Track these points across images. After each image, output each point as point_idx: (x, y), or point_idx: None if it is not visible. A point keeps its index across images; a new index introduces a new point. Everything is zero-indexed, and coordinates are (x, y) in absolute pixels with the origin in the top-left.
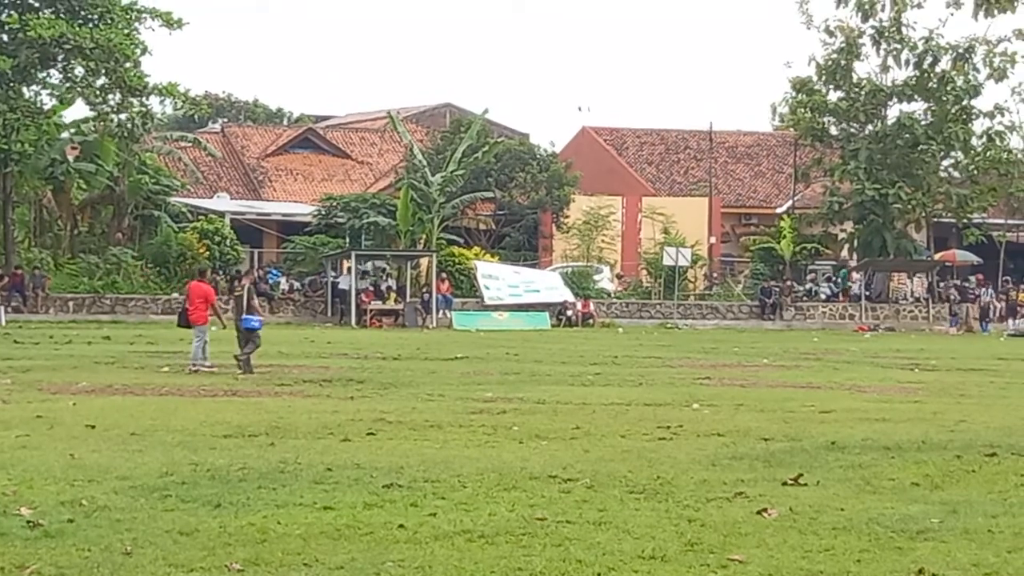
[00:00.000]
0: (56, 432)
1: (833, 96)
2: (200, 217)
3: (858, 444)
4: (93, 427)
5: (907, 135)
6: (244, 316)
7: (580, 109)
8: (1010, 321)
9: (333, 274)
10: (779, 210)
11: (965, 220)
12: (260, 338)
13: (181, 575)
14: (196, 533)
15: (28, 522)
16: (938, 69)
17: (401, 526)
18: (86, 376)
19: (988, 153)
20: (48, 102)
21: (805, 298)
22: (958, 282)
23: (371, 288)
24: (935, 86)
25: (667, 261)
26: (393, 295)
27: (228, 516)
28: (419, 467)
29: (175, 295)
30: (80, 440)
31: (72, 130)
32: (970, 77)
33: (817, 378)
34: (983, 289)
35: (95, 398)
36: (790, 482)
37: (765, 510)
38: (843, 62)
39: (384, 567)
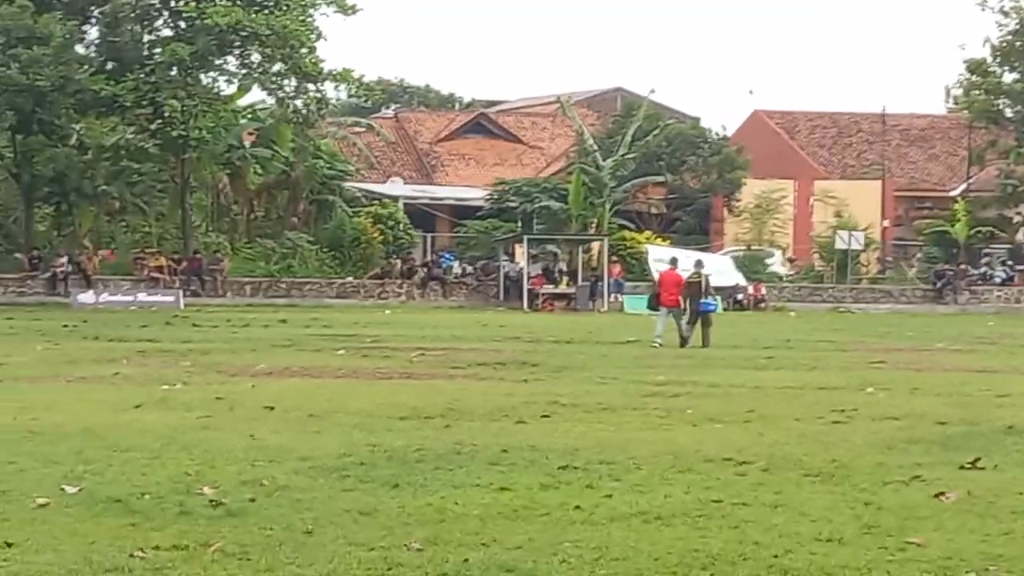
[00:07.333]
0: (236, 413)
1: (1008, 78)
2: (374, 202)
3: None
4: (272, 409)
5: None
6: (703, 300)
7: (751, 92)
8: None
9: (505, 259)
10: (953, 193)
11: None
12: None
13: (362, 553)
14: (375, 513)
15: (211, 501)
16: None
17: (577, 507)
18: (264, 359)
19: None
20: (225, 88)
21: (980, 282)
22: None
23: (542, 272)
24: None
25: (839, 245)
26: (565, 279)
27: (406, 496)
28: (594, 449)
29: (350, 279)
30: (259, 421)
31: (248, 116)
32: None
33: (993, 362)
34: None
35: (273, 380)
36: (967, 466)
37: (943, 493)
38: (1018, 43)
39: (561, 548)
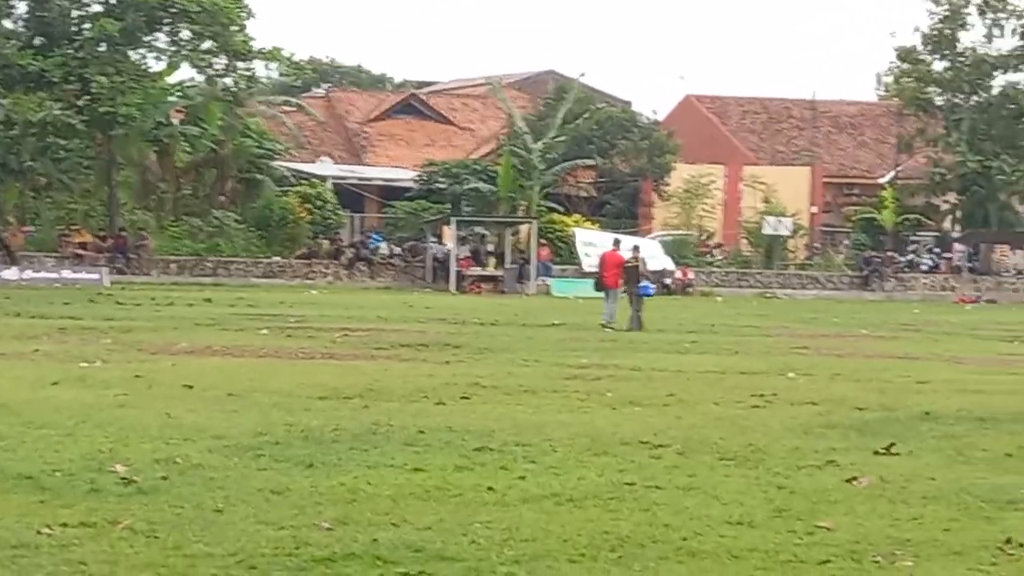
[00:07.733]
0: (154, 392)
1: (938, 66)
2: (302, 181)
3: (953, 415)
4: (191, 387)
5: (1012, 106)
6: (642, 284)
7: (682, 77)
8: None
9: (433, 240)
10: (882, 180)
11: None
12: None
13: (271, 532)
14: (287, 492)
15: (122, 479)
16: None
17: (490, 488)
18: (186, 337)
19: None
20: (154, 65)
21: (906, 269)
22: None
23: (470, 254)
24: None
25: (767, 230)
26: (493, 261)
27: (320, 476)
28: (511, 431)
29: (277, 259)
30: (177, 400)
31: (177, 93)
32: None
33: (916, 349)
34: None
35: (194, 359)
36: (882, 451)
37: (855, 478)
38: (948, 31)
39: (471, 528)
